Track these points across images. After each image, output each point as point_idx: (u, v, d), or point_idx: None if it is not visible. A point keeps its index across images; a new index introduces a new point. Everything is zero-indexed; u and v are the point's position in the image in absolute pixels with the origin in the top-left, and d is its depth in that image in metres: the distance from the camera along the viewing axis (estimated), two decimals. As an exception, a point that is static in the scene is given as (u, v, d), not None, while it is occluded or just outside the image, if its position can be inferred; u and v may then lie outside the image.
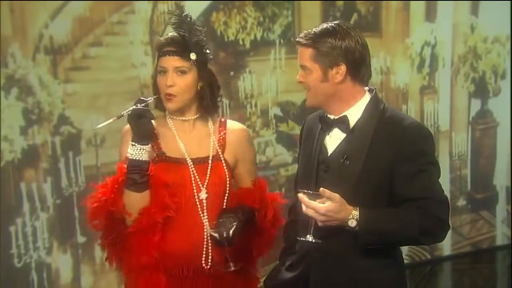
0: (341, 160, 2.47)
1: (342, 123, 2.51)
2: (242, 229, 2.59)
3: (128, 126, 2.66)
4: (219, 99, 2.73)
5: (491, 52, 5.25)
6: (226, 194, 2.69)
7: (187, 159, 2.66)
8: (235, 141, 2.75)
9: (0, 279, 3.86)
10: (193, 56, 2.61)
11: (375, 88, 2.56)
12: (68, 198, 3.98)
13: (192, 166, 2.66)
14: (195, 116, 2.71)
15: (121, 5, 4.05)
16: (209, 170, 2.67)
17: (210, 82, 2.68)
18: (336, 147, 2.50)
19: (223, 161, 2.70)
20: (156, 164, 2.62)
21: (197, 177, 2.65)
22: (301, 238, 2.46)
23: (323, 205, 2.35)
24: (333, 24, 2.50)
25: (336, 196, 2.35)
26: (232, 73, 4.40)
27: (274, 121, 4.56)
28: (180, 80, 2.61)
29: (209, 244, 2.64)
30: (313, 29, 2.51)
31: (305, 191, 2.40)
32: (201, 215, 2.64)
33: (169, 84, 2.59)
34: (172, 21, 2.66)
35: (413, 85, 5.05)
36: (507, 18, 5.21)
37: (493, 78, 5.30)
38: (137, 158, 2.53)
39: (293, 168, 4.63)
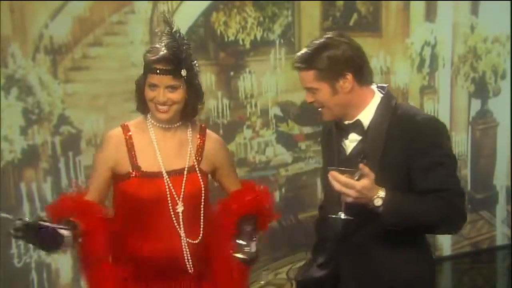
0: (359, 160, 2.49)
1: (356, 127, 2.56)
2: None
3: (112, 132, 2.72)
4: (200, 106, 2.76)
5: (491, 52, 5.25)
6: (202, 205, 2.71)
7: (163, 173, 2.67)
8: (213, 150, 2.78)
9: (0, 279, 3.86)
10: (184, 72, 2.63)
11: (387, 85, 2.59)
12: (68, 198, 3.98)
13: (168, 179, 2.67)
14: (178, 124, 2.73)
15: (121, 5, 4.05)
16: (184, 182, 2.69)
17: (197, 93, 2.71)
18: (353, 148, 2.57)
19: (198, 172, 2.72)
20: (129, 180, 2.66)
21: (173, 190, 2.67)
22: (332, 216, 2.48)
23: (359, 182, 2.37)
24: (323, 39, 2.54)
25: (372, 173, 2.38)
26: (232, 73, 4.40)
27: (274, 121, 4.56)
28: (171, 95, 2.64)
29: (188, 253, 2.68)
30: (306, 50, 2.54)
31: (338, 168, 2.41)
32: (178, 228, 2.67)
33: (163, 100, 2.63)
34: (163, 39, 2.67)
35: (413, 85, 5.05)
36: (507, 18, 5.21)
37: (493, 78, 5.30)
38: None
39: (293, 168, 4.64)
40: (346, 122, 2.58)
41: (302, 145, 4.65)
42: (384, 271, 2.54)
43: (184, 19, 4.20)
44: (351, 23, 4.69)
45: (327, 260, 2.66)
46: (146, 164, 2.68)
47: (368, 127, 2.54)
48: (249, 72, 4.45)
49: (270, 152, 4.57)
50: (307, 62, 2.51)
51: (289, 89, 4.56)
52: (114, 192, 2.76)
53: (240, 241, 2.65)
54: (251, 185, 2.89)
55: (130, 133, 2.72)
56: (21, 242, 3.88)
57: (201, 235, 2.71)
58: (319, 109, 2.59)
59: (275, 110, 4.56)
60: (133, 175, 2.67)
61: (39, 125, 3.91)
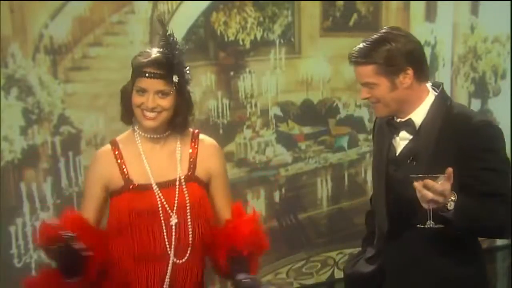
0: (408, 161, 2.47)
1: (408, 126, 2.52)
2: None
3: (101, 149, 2.69)
4: (191, 118, 2.68)
5: (491, 52, 5.25)
6: (191, 218, 2.61)
7: (153, 185, 2.59)
8: (206, 156, 2.68)
9: (0, 279, 3.86)
10: (175, 78, 2.55)
11: (442, 84, 2.55)
12: (68, 198, 3.98)
13: (158, 191, 2.59)
14: (166, 133, 2.65)
15: (121, 5, 4.04)
16: (177, 193, 2.60)
17: (186, 101, 2.62)
18: (403, 148, 2.53)
19: (194, 181, 2.63)
20: (121, 195, 2.59)
21: (164, 202, 2.58)
22: (422, 226, 2.42)
23: (445, 188, 2.32)
24: (382, 33, 2.48)
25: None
26: (232, 73, 4.40)
27: (274, 121, 4.55)
28: (161, 101, 2.55)
29: (170, 272, 2.59)
30: (364, 44, 2.47)
31: (419, 175, 2.35)
32: (167, 243, 2.59)
33: (152, 106, 2.54)
34: (158, 42, 2.60)
35: (413, 85, 5.04)
36: (507, 18, 5.20)
37: (493, 78, 5.30)
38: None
39: (293, 168, 4.63)
40: (398, 120, 2.53)
41: (302, 145, 4.65)
42: (431, 273, 2.51)
43: (184, 19, 4.20)
44: (351, 23, 4.69)
45: (375, 255, 2.65)
46: (137, 177, 2.61)
47: (420, 126, 2.50)
48: (249, 72, 4.44)
49: (270, 152, 4.57)
50: (366, 57, 2.45)
51: (289, 89, 4.56)
52: (110, 210, 2.68)
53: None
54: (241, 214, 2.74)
55: (119, 148, 2.65)
56: (21, 242, 3.89)
57: (188, 254, 2.62)
58: (373, 104, 2.52)
59: (275, 110, 4.56)
60: (125, 189, 2.60)
61: (39, 125, 3.91)
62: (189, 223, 2.61)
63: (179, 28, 4.09)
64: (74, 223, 2.55)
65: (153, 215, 2.58)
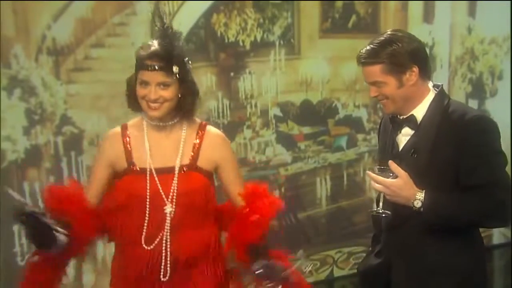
0: (410, 154, 2.59)
1: (410, 121, 2.64)
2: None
3: (110, 131, 2.73)
4: (196, 106, 2.72)
5: (488, 53, 5.29)
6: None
7: (152, 170, 2.64)
8: (211, 145, 2.71)
9: (3, 278, 3.88)
10: (175, 69, 2.59)
11: (442, 84, 2.66)
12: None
13: (156, 177, 2.63)
14: (173, 122, 2.69)
15: (122, 6, 4.08)
16: (175, 181, 2.64)
17: (191, 90, 2.67)
18: (406, 143, 2.65)
19: (195, 171, 2.66)
20: (123, 177, 2.65)
21: (160, 189, 2.62)
22: (371, 211, 2.62)
23: (388, 180, 2.50)
24: (387, 35, 2.61)
25: (402, 172, 2.50)
26: (232, 74, 4.44)
27: (274, 121, 4.59)
28: (163, 92, 2.60)
29: (168, 254, 2.64)
30: (370, 46, 2.61)
31: (374, 167, 2.56)
32: (166, 228, 2.63)
33: (154, 98, 2.59)
34: (156, 34, 2.65)
35: (411, 86, 5.06)
36: (504, 19, 5.24)
37: (490, 79, 5.33)
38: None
39: (293, 168, 4.67)
40: (401, 117, 2.65)
41: (302, 145, 4.69)
42: (432, 260, 2.60)
43: (185, 20, 4.23)
44: (350, 25, 4.73)
45: (382, 248, 2.75)
46: (140, 162, 2.66)
47: (421, 122, 2.61)
48: (249, 73, 4.48)
49: (270, 152, 4.60)
50: (374, 57, 2.57)
51: (289, 90, 4.59)
52: (111, 192, 2.73)
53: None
54: (255, 192, 2.73)
55: (127, 132, 2.71)
56: (24, 241, 3.92)
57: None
58: (381, 101, 2.64)
59: (275, 111, 4.59)
60: (127, 172, 2.65)
61: (42, 125, 3.94)
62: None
63: (180, 29, 4.11)
64: (64, 196, 2.65)
65: (149, 200, 2.62)
